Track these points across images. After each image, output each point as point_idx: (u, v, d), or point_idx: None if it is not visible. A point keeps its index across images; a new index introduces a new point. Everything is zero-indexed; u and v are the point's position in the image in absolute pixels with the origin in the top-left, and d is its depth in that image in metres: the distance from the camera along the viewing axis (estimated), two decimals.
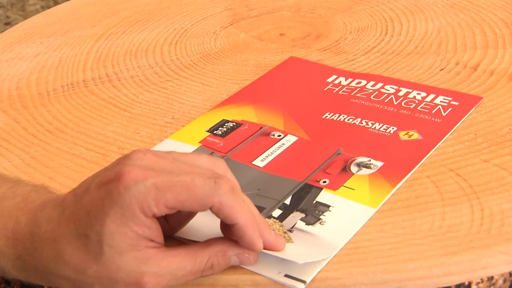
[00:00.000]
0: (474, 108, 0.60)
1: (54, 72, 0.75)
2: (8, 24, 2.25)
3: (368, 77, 0.67)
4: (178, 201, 0.40)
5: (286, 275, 0.43)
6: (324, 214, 0.48)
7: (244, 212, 0.41)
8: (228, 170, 0.44)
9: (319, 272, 0.44)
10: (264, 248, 0.43)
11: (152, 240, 0.41)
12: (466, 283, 0.44)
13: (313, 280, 0.43)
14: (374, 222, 0.48)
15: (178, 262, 0.41)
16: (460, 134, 0.57)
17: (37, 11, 2.30)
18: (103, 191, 0.40)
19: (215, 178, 0.40)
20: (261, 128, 0.59)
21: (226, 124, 0.60)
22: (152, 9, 0.89)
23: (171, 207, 0.40)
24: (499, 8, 0.80)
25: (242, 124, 0.60)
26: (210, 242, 0.43)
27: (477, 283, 0.44)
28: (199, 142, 0.58)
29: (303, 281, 0.43)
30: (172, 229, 0.46)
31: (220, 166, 0.43)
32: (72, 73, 0.74)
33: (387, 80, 0.66)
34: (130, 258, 0.40)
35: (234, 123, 0.60)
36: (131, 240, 0.40)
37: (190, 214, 0.46)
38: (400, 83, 0.65)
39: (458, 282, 0.44)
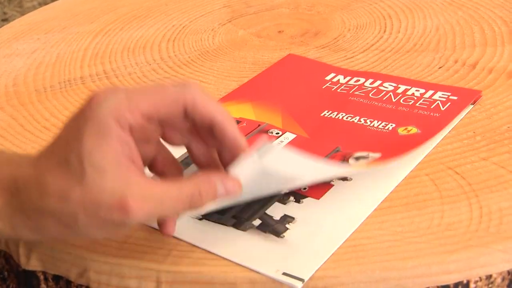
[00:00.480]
0: (473, 105, 0.60)
1: (51, 69, 0.74)
2: (5, 20, 2.25)
3: (367, 75, 0.66)
4: (151, 105, 0.40)
5: (284, 273, 0.43)
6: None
7: (220, 108, 0.41)
8: None
9: (317, 270, 0.43)
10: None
11: (133, 162, 0.40)
12: (465, 281, 0.44)
13: (311, 278, 0.43)
14: (372, 219, 0.47)
15: (164, 188, 0.40)
16: (459, 132, 0.56)
17: (34, 7, 2.29)
18: (77, 116, 0.40)
19: (184, 82, 0.41)
20: (259, 125, 0.59)
21: None
22: (150, 5, 0.89)
23: (146, 114, 0.40)
24: (498, 5, 0.79)
25: (240, 121, 0.60)
26: (193, 174, 0.42)
27: (476, 282, 0.44)
28: None
29: (301, 279, 0.43)
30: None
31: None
32: (69, 69, 0.74)
33: (386, 78, 0.65)
34: (112, 177, 0.38)
35: None
36: (111, 158, 0.39)
37: (173, 164, 0.45)
38: (398, 80, 0.65)
39: (456, 281, 0.44)
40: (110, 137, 0.39)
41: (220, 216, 0.49)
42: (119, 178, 0.39)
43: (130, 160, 0.40)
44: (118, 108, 0.39)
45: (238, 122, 0.60)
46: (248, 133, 0.58)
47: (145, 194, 0.39)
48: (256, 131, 0.58)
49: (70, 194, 0.39)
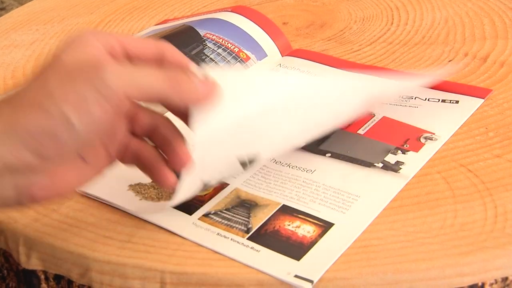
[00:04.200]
0: (484, 101, 0.58)
1: None
2: (3, 9, 2.22)
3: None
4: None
5: (295, 275, 0.42)
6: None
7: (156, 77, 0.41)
8: None
9: (327, 272, 0.42)
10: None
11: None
12: (480, 284, 0.42)
13: (320, 280, 0.41)
14: (383, 219, 0.46)
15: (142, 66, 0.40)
16: (471, 128, 0.55)
17: None
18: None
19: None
20: None
21: None
22: None
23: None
24: None
25: None
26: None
27: (491, 284, 0.43)
28: None
29: (310, 281, 0.41)
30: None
31: None
32: None
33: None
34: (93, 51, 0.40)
35: None
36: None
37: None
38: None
39: (471, 283, 0.42)
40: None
41: None
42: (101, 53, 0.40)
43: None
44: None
45: None
46: None
47: (120, 64, 0.39)
48: None
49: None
